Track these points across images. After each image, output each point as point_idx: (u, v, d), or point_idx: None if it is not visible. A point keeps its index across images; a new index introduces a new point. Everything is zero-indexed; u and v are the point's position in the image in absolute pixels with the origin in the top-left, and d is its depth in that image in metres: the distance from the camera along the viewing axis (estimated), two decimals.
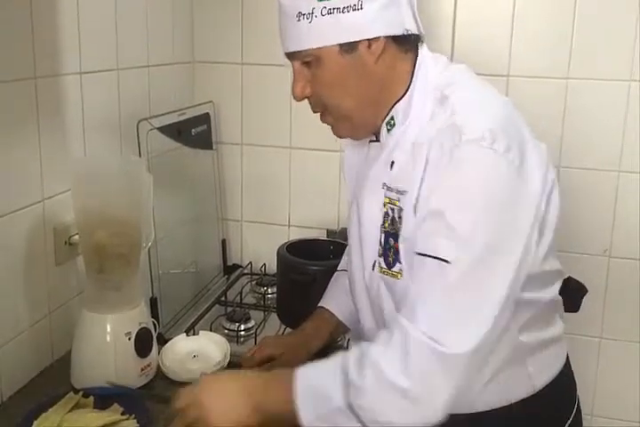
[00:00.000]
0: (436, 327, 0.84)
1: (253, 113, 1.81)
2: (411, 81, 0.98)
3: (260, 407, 0.91)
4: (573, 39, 1.58)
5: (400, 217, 0.95)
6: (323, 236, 1.73)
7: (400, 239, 0.95)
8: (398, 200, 0.96)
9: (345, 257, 1.31)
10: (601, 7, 1.55)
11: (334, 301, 1.25)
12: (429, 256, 0.87)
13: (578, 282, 1.14)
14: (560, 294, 1.06)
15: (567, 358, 1.10)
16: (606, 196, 1.65)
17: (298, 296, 1.45)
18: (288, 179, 1.82)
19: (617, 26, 1.55)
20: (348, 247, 1.24)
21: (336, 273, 1.31)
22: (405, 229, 0.94)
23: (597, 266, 1.68)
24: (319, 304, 1.26)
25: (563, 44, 1.59)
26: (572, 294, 1.10)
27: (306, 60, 0.97)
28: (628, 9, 1.54)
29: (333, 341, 1.28)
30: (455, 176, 0.87)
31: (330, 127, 1.05)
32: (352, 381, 0.86)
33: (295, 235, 1.78)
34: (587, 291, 1.16)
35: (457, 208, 0.86)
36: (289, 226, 1.84)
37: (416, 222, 0.91)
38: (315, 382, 0.90)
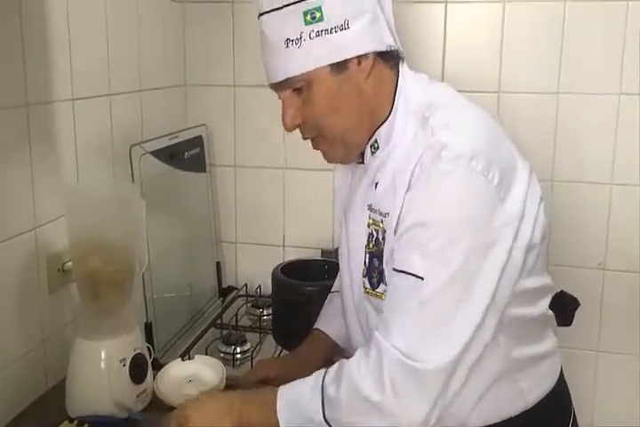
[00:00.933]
0: (410, 343, 0.86)
1: (246, 135, 1.82)
2: (393, 103, 0.99)
3: (242, 424, 0.95)
4: (562, 54, 1.60)
5: (384, 238, 0.97)
6: (318, 256, 1.73)
7: (383, 261, 0.96)
8: (382, 222, 0.97)
9: (339, 278, 1.31)
10: (589, 22, 1.57)
11: (329, 322, 1.25)
12: (404, 272, 0.88)
13: (570, 296, 1.14)
14: (552, 308, 1.06)
15: (561, 372, 1.10)
16: (599, 209, 1.66)
17: (294, 317, 1.45)
18: (282, 199, 1.82)
19: (605, 40, 1.57)
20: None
21: (330, 294, 1.31)
22: (387, 251, 0.95)
23: (592, 279, 1.68)
24: (314, 326, 1.26)
25: (552, 58, 1.61)
26: (565, 307, 1.10)
27: (296, 87, 0.97)
28: (615, 24, 1.56)
29: (329, 362, 1.27)
30: (431, 193, 0.88)
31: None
32: (329, 396, 0.90)
33: (290, 255, 1.78)
34: (579, 304, 1.15)
35: (432, 225, 0.87)
36: (284, 247, 1.84)
37: (394, 241, 0.93)
38: (295, 400, 0.93)
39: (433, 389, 0.86)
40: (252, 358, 1.42)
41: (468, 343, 0.87)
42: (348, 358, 1.26)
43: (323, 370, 0.95)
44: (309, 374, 1.21)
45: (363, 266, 1.02)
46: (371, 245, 1.00)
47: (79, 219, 1.12)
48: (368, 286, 1.01)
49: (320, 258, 1.69)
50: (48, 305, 1.23)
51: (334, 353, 1.25)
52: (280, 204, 1.82)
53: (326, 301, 1.30)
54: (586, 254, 1.68)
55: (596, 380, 1.73)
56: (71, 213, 1.13)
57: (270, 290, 1.56)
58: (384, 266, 0.96)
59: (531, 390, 1.01)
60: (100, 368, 1.12)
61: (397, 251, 0.91)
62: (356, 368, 0.90)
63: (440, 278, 0.86)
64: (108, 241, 1.13)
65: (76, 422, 1.07)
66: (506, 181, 0.91)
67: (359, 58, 0.96)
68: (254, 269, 1.84)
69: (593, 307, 1.68)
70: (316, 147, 1.05)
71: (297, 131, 1.80)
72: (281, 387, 0.96)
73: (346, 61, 0.95)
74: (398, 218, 0.92)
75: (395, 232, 0.93)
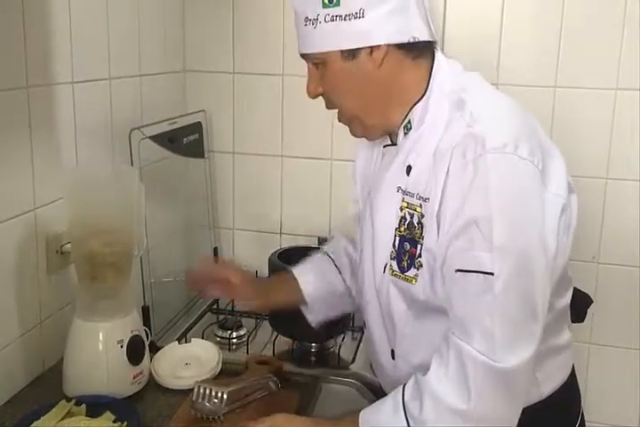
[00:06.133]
0: (492, 344, 0.85)
1: (245, 122, 1.81)
2: (427, 85, 0.99)
3: None
4: (560, 48, 1.60)
5: (420, 223, 0.95)
6: (314, 243, 1.74)
7: (422, 249, 0.95)
8: (420, 206, 0.95)
9: (334, 242, 1.32)
10: (587, 17, 1.57)
11: (306, 275, 1.25)
12: (472, 271, 0.87)
13: (582, 292, 1.15)
14: None
15: (573, 366, 1.11)
16: (594, 203, 1.67)
17: None
18: (279, 187, 1.82)
19: (603, 35, 1.57)
20: (358, 247, 1.21)
21: (320, 256, 1.29)
22: (428, 240, 0.94)
23: (586, 272, 1.70)
24: (291, 269, 1.26)
25: (550, 53, 1.61)
26: (578, 303, 1.10)
27: (314, 62, 1.00)
28: (613, 18, 1.56)
29: (287, 305, 1.26)
30: (483, 187, 0.86)
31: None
32: (412, 415, 0.87)
33: (287, 242, 1.78)
34: (592, 301, 1.16)
35: (490, 219, 0.85)
36: (280, 234, 1.85)
37: (443, 237, 0.91)
38: (378, 424, 0.91)
39: (518, 386, 0.86)
40: (247, 343, 1.43)
41: (541, 331, 0.87)
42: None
43: (400, 388, 0.92)
44: (270, 301, 1.23)
45: (391, 248, 1.00)
46: (402, 229, 0.98)
47: (78, 201, 1.12)
48: (397, 269, 0.99)
49: (317, 246, 1.69)
50: (46, 286, 1.24)
51: (294, 299, 1.24)
52: (277, 191, 1.82)
53: (313, 257, 1.29)
54: (580, 248, 1.69)
55: (588, 372, 1.74)
56: (70, 196, 1.13)
57: (267, 276, 1.57)
58: (423, 254, 0.94)
59: (545, 382, 1.01)
60: (97, 349, 1.14)
61: (459, 251, 0.88)
62: (435, 379, 0.87)
63: (509, 271, 0.85)
64: (106, 224, 1.14)
65: (73, 401, 1.09)
66: (547, 166, 0.91)
67: (372, 48, 0.95)
68: (251, 256, 1.83)
69: None
70: (339, 119, 1.05)
71: (294, 121, 1.80)
72: (362, 413, 0.94)
73: (357, 50, 0.95)
74: (439, 205, 0.91)
75: (437, 220, 0.91)
